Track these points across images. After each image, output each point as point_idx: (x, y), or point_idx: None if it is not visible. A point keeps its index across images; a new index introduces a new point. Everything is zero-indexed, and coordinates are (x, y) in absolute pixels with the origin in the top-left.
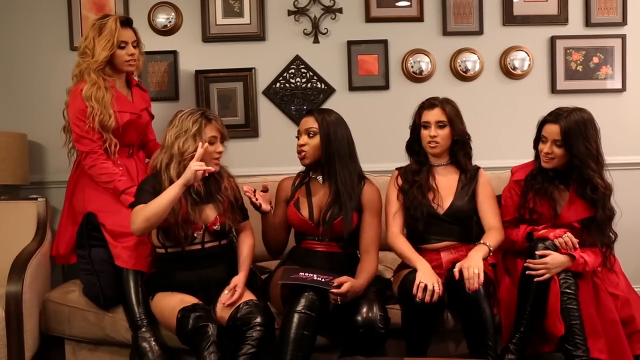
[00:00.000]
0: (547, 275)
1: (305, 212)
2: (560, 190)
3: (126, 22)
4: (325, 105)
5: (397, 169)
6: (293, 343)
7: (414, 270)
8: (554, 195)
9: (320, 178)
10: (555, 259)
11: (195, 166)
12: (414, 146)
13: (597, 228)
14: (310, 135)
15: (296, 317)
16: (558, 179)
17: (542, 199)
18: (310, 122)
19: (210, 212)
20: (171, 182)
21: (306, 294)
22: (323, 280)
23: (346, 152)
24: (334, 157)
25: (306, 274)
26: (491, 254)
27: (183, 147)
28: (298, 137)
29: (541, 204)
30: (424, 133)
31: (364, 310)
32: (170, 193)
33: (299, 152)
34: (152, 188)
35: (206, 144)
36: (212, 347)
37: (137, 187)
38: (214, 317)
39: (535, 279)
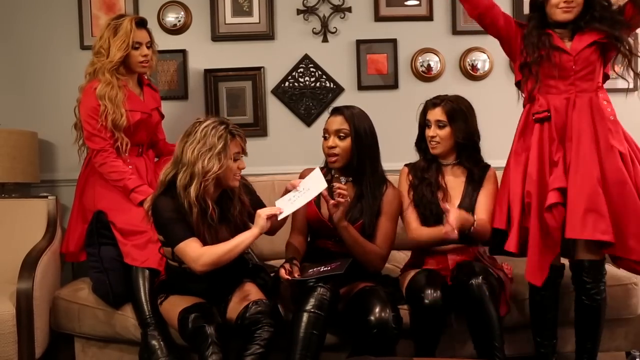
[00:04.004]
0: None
1: (325, 211)
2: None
3: (141, 23)
4: (334, 105)
5: (406, 165)
6: (302, 342)
7: (422, 271)
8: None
9: (343, 179)
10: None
11: (265, 214)
12: (422, 144)
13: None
14: (341, 137)
15: (305, 316)
16: None
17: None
18: (341, 123)
19: (225, 233)
20: (190, 204)
21: (315, 293)
22: (329, 268)
23: (375, 154)
24: (365, 160)
25: (313, 270)
26: (473, 227)
27: (207, 167)
28: (325, 137)
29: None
30: (427, 132)
31: (377, 310)
32: (245, 242)
33: (328, 155)
34: (179, 214)
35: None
36: (211, 347)
37: (161, 218)
38: (213, 317)
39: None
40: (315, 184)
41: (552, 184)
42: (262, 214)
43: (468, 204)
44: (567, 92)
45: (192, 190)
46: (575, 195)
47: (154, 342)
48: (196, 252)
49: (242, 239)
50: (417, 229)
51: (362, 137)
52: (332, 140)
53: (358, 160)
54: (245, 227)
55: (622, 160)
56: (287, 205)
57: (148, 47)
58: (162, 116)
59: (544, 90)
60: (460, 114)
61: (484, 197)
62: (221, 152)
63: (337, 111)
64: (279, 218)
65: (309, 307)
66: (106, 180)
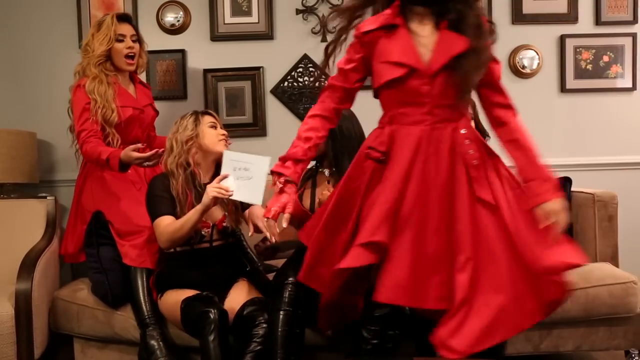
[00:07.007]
0: None
1: (306, 203)
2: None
3: (123, 18)
4: None
5: None
6: (281, 341)
7: None
8: None
9: (327, 172)
10: None
11: (213, 191)
12: None
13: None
14: None
15: (279, 314)
16: None
17: None
18: None
19: (217, 210)
20: (174, 172)
21: (286, 290)
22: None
23: (355, 149)
24: (342, 152)
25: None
26: None
27: (183, 135)
28: None
29: None
30: None
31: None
32: (192, 219)
33: None
34: (167, 194)
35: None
36: (214, 332)
37: (150, 194)
38: (216, 304)
39: None
40: (259, 170)
41: None
42: (210, 192)
43: None
44: None
45: (174, 159)
46: None
47: (153, 342)
48: (163, 228)
49: (188, 217)
50: None
51: (336, 128)
52: None
53: (333, 151)
54: (237, 211)
55: None
56: (242, 192)
57: (134, 41)
58: (157, 112)
59: None
60: (473, 107)
61: None
62: (194, 122)
63: None
64: (231, 197)
65: (282, 305)
66: (104, 180)
